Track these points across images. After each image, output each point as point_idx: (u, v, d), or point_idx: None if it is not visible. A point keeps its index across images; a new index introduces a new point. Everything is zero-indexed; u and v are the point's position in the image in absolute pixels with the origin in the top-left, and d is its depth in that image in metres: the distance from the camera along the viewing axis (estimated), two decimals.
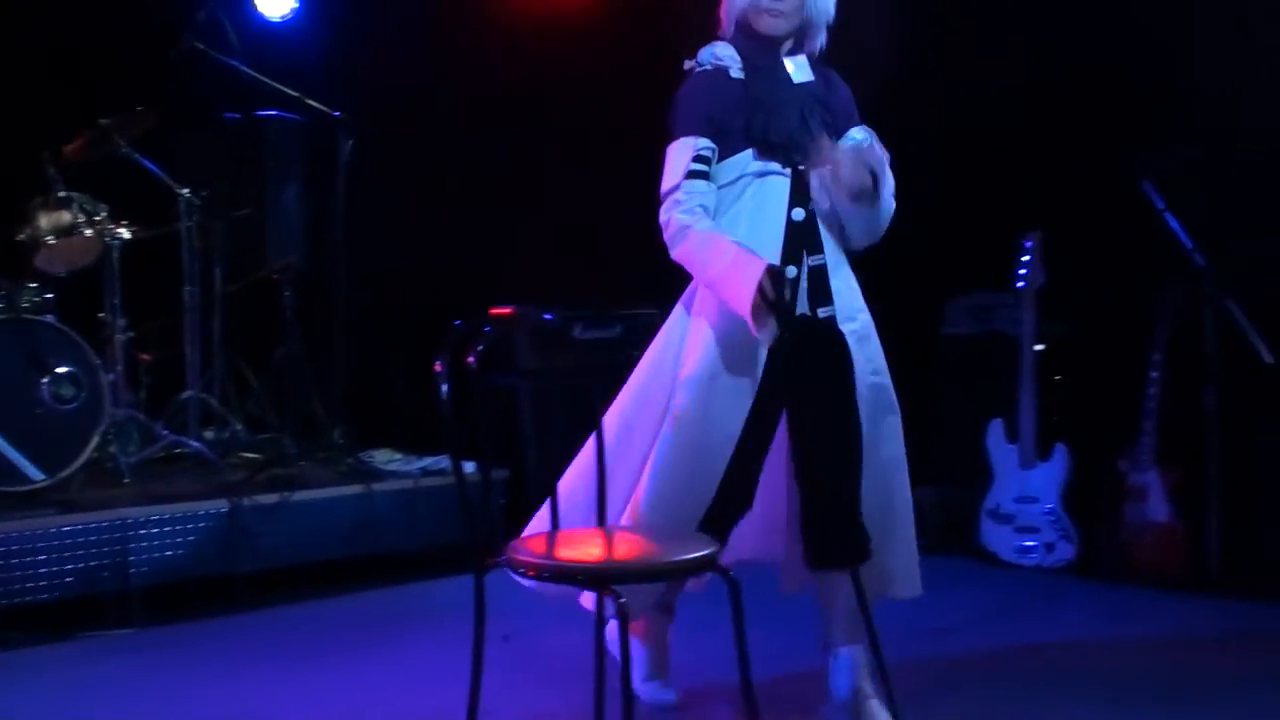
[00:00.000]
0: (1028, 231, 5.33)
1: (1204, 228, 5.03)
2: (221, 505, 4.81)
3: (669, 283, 6.10)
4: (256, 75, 5.75)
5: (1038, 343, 5.33)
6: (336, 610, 4.83)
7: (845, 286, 3.35)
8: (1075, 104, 5.35)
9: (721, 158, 3.27)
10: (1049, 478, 5.27)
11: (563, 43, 6.44)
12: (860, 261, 3.48)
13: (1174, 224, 5.06)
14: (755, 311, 3.05)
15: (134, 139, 5.48)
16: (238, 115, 6.01)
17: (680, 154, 3.26)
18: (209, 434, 5.74)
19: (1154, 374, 5.05)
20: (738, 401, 3.20)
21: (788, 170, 3.27)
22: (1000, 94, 5.36)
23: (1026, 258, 5.30)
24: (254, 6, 6.63)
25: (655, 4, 6.20)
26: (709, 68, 3.31)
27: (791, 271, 3.24)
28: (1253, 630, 4.40)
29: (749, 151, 3.26)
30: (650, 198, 5.85)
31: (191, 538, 4.69)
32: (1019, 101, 5.41)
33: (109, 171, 5.47)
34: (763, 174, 3.27)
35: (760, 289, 3.01)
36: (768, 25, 3.28)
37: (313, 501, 5.06)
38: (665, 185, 3.28)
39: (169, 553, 4.63)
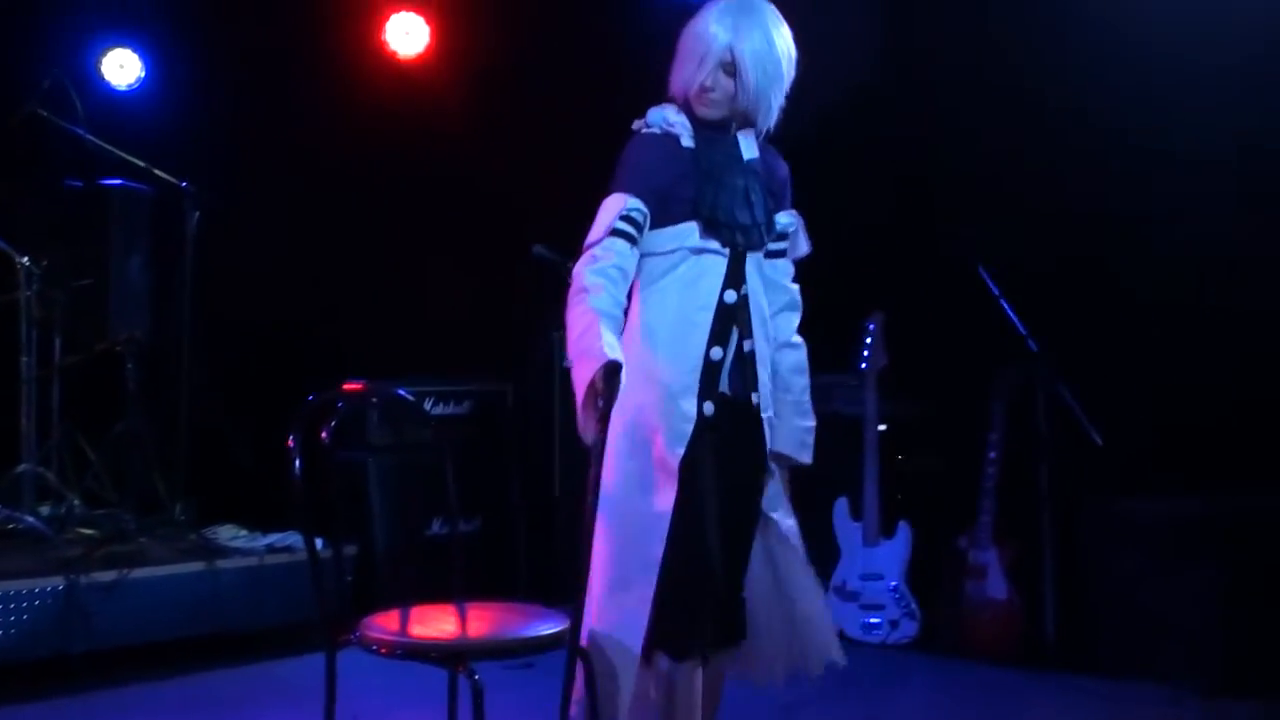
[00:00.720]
0: (870, 314, 5.47)
1: (1038, 312, 5.22)
2: (57, 583, 4.65)
3: (524, 356, 6.14)
4: (102, 144, 5.66)
5: (880, 423, 5.46)
6: (178, 691, 4.70)
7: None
8: (915, 189, 5.52)
9: (662, 224, 3.16)
10: (892, 555, 5.37)
11: (410, 115, 6.47)
12: None
13: (1008, 309, 5.23)
14: (584, 404, 2.96)
15: None
16: (80, 183, 5.90)
17: (609, 210, 3.13)
18: (45, 509, 5.56)
19: (991, 454, 5.19)
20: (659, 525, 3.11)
21: (726, 250, 3.18)
22: (841, 178, 5.50)
23: (869, 340, 5.43)
24: (100, 75, 6.56)
25: (505, 75, 6.29)
26: (658, 131, 3.21)
27: (717, 354, 3.15)
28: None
29: (693, 225, 3.15)
30: (506, 272, 5.92)
31: (25, 616, 4.53)
32: (860, 186, 5.57)
33: None
34: (700, 250, 3.16)
35: (592, 383, 2.91)
36: (699, 110, 3.21)
37: (153, 579, 4.92)
38: (589, 238, 3.14)
39: (0, 632, 4.47)
